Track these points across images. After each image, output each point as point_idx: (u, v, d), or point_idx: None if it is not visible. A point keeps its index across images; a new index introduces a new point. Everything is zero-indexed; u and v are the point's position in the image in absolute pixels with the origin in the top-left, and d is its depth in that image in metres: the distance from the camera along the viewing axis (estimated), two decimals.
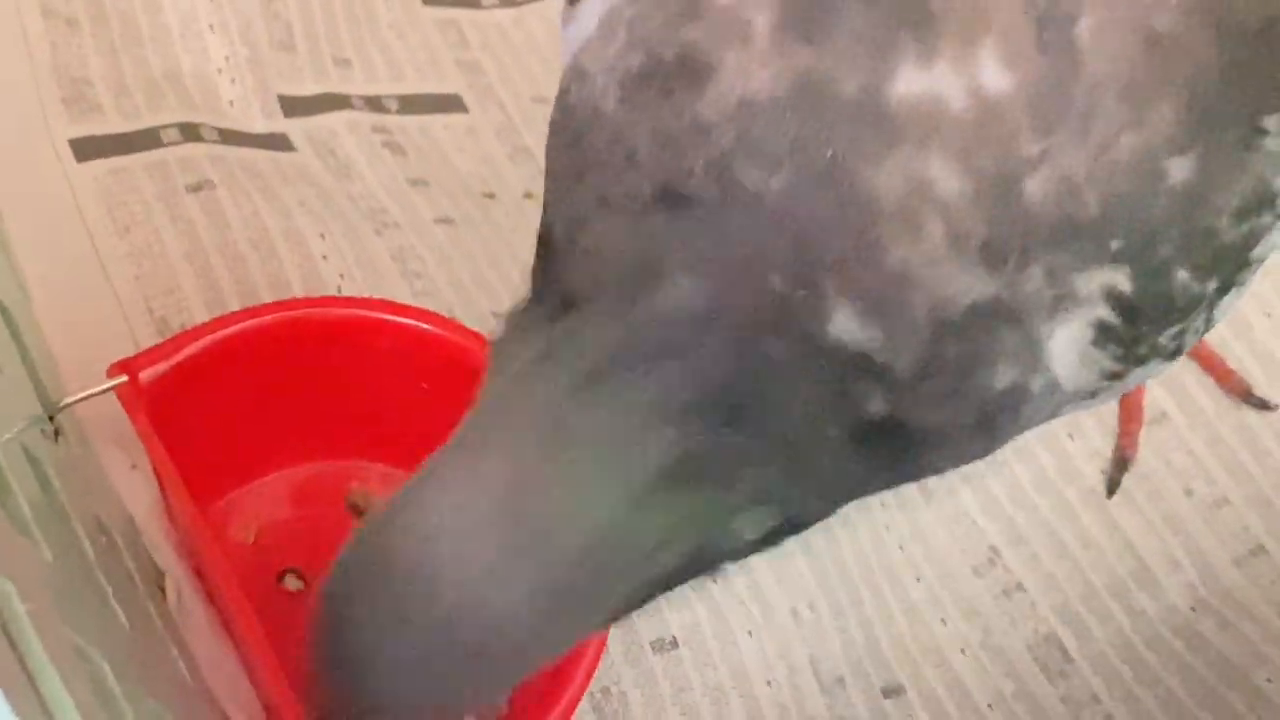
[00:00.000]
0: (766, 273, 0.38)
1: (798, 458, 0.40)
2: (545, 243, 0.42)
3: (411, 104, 0.67)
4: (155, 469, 0.48)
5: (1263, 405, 0.61)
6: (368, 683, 0.39)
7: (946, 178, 0.38)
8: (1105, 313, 0.40)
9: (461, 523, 0.38)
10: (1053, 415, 0.43)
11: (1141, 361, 0.43)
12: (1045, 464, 0.61)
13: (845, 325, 0.38)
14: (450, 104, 0.68)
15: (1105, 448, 0.61)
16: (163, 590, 0.50)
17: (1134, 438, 0.61)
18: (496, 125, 0.68)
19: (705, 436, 0.39)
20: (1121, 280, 0.40)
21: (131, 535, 0.50)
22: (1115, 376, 0.42)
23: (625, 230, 0.39)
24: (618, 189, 0.39)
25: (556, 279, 0.41)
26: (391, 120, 0.66)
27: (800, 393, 0.39)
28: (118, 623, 0.41)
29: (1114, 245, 0.39)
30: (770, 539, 0.43)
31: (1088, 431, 0.61)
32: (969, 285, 0.38)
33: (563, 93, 0.42)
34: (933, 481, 0.60)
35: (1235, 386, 0.62)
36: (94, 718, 0.33)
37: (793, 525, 0.43)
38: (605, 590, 0.40)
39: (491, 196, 0.65)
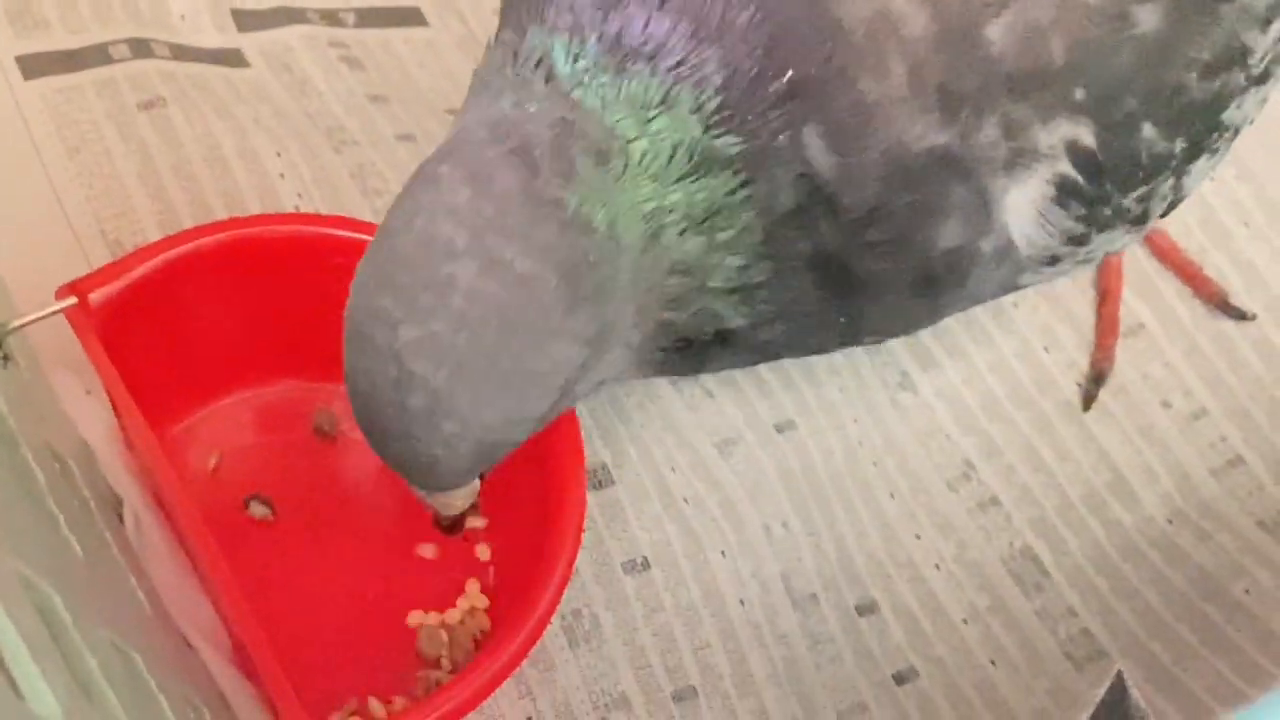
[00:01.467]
0: (753, 53, 0.37)
1: (774, 257, 0.39)
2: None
3: (369, 17, 0.65)
4: (108, 393, 0.47)
5: (1240, 315, 0.60)
6: (412, 400, 0.38)
7: (912, 16, 0.37)
8: (1067, 168, 0.39)
9: (470, 204, 0.37)
10: (1007, 286, 0.42)
11: (1105, 226, 0.42)
12: (1021, 377, 0.60)
13: (813, 144, 0.38)
14: (410, 17, 0.66)
15: (1081, 360, 0.60)
16: (121, 517, 0.49)
17: (1110, 350, 0.60)
18: (458, 38, 0.66)
19: (682, 160, 0.38)
20: (1085, 134, 0.39)
21: (87, 462, 0.49)
22: (1077, 241, 0.41)
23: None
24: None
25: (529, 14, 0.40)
26: (349, 34, 0.64)
27: (777, 191, 0.38)
28: (70, 552, 0.40)
29: (1078, 95, 0.38)
30: (730, 351, 0.42)
31: (1064, 344, 0.60)
32: (923, 131, 0.38)
33: None
34: (906, 396, 0.59)
35: (1213, 296, 0.61)
36: (43, 647, 0.32)
37: (749, 344, 0.43)
38: (625, 289, 0.39)
39: (454, 112, 0.63)
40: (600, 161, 0.37)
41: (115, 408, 0.48)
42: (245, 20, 0.63)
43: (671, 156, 0.38)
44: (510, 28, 0.41)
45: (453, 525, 0.48)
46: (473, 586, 0.51)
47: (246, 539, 0.51)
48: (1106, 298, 0.61)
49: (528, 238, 0.37)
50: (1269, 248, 0.62)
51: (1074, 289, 0.61)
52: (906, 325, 0.44)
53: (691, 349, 0.43)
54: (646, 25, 0.38)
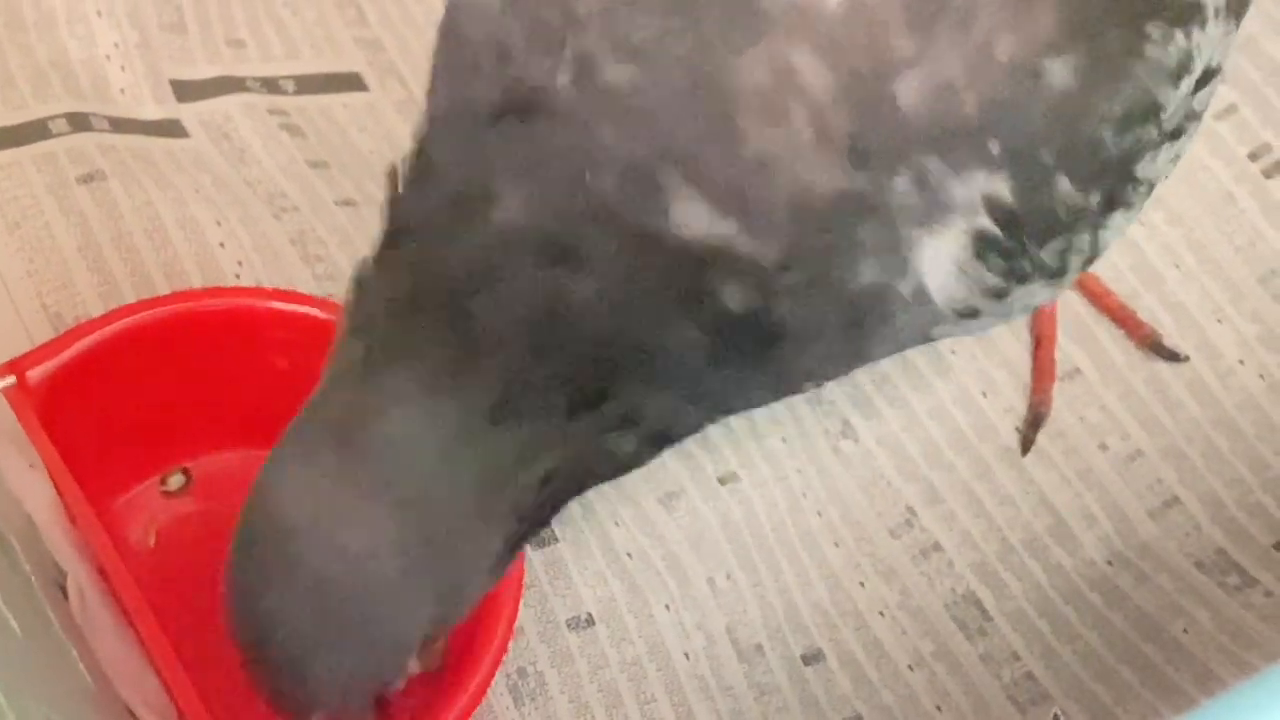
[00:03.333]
0: (597, 174, 0.37)
1: (655, 364, 0.39)
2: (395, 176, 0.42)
3: (309, 84, 0.66)
4: (48, 470, 0.47)
5: (1173, 357, 0.61)
6: (276, 662, 0.41)
7: (814, 71, 0.37)
8: (985, 222, 0.39)
9: (308, 486, 0.39)
10: (928, 335, 0.43)
11: (1024, 279, 0.42)
12: (960, 423, 0.61)
13: (691, 217, 0.38)
14: (350, 82, 0.67)
15: (1019, 405, 0.61)
16: (65, 591, 0.49)
17: (1047, 394, 0.61)
18: (398, 102, 0.66)
19: (528, 365, 0.38)
20: (1002, 188, 0.39)
21: (31, 537, 0.49)
22: (996, 294, 0.42)
23: (461, 149, 0.39)
24: (469, 94, 0.39)
25: (399, 213, 0.41)
26: (289, 101, 0.65)
27: (644, 295, 0.38)
28: (8, 629, 0.40)
29: (993, 150, 0.39)
30: (647, 451, 0.43)
31: (1002, 389, 0.61)
32: (831, 178, 0.38)
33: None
34: (848, 445, 0.59)
35: (1146, 338, 0.62)
36: None
37: (667, 437, 0.43)
38: (470, 523, 0.40)
39: None
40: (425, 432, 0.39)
41: (55, 483, 0.48)
42: (185, 90, 0.63)
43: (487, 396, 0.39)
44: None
45: None
46: None
47: (190, 611, 0.51)
48: (1041, 342, 0.62)
49: (359, 519, 0.39)
50: (1199, 288, 0.63)
51: (1009, 335, 0.62)
52: (837, 368, 0.45)
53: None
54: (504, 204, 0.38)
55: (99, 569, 0.50)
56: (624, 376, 0.39)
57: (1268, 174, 0.65)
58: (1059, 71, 0.39)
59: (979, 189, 0.39)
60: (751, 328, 0.39)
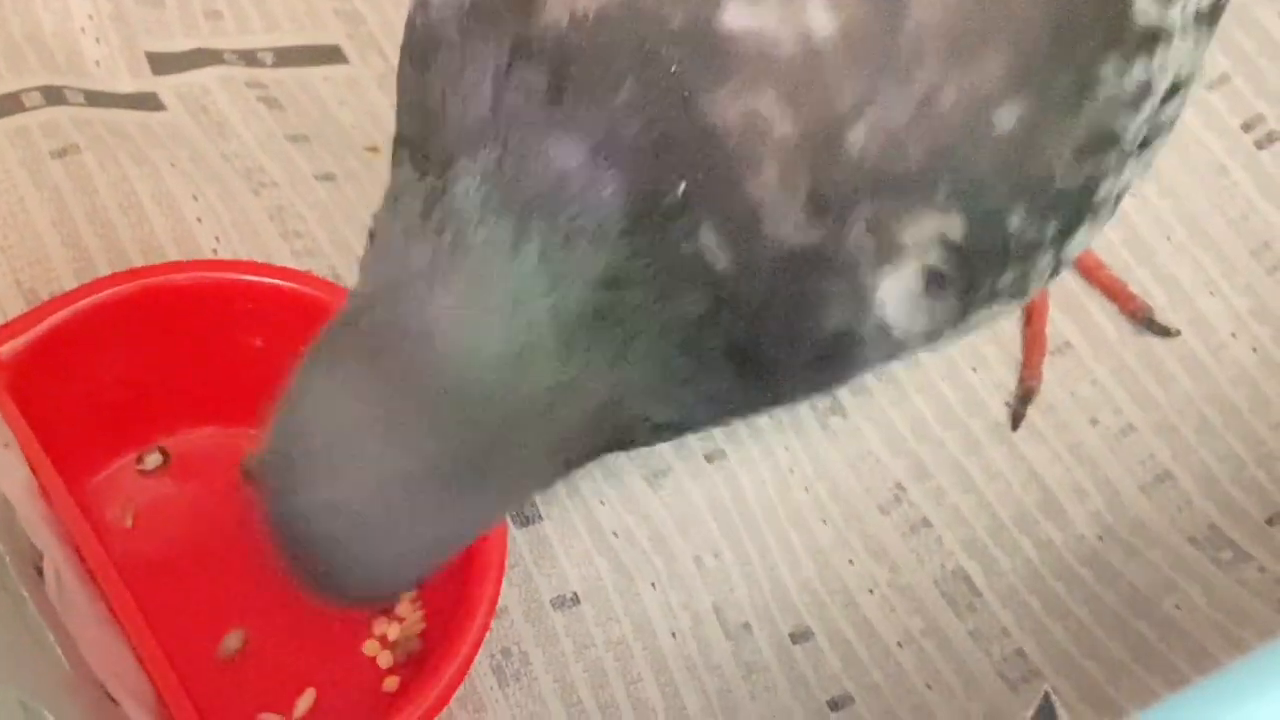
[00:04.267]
0: (646, 168, 0.38)
1: (690, 356, 0.40)
2: (402, 139, 0.42)
3: (288, 56, 0.65)
4: (22, 448, 0.47)
5: (1165, 332, 0.61)
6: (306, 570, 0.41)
7: (779, 118, 0.37)
8: (936, 259, 0.40)
9: (342, 408, 0.39)
10: (893, 357, 0.43)
11: (983, 304, 0.42)
12: (949, 398, 0.60)
13: (711, 243, 0.38)
14: (330, 55, 0.66)
15: (1009, 380, 0.60)
16: (41, 571, 0.49)
17: (1037, 369, 0.60)
18: (379, 76, 0.66)
19: (591, 292, 0.38)
20: (952, 228, 0.39)
21: (6, 517, 0.49)
22: (955, 320, 0.42)
23: (488, 101, 0.39)
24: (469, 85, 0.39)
25: (423, 155, 0.40)
26: (267, 74, 0.64)
27: (684, 297, 0.39)
28: None
29: (941, 195, 0.39)
30: (665, 432, 0.43)
31: (991, 364, 0.61)
32: (794, 230, 0.38)
33: (409, 20, 0.42)
34: (836, 420, 0.59)
35: (1138, 313, 0.61)
36: None
37: (683, 426, 0.44)
38: (502, 450, 0.40)
39: (375, 150, 0.63)
40: (504, 331, 0.38)
41: (30, 463, 0.47)
42: (161, 63, 0.62)
43: (581, 302, 0.39)
44: (410, 163, 0.41)
45: None
46: (393, 630, 0.51)
47: (168, 591, 0.50)
48: (1032, 317, 0.61)
49: (413, 433, 0.39)
50: (1191, 261, 0.62)
51: None
52: (818, 393, 0.47)
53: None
54: (550, 159, 0.38)
55: (75, 549, 0.49)
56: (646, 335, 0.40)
57: (1260, 145, 0.64)
58: (1005, 117, 0.39)
59: (930, 229, 0.39)
60: (749, 359, 0.41)
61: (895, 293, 0.40)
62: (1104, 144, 0.41)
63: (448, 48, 0.40)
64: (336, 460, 0.39)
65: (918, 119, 0.38)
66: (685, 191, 0.38)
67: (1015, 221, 0.40)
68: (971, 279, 0.41)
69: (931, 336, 0.42)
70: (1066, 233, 0.42)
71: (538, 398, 0.39)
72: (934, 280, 0.40)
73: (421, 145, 0.40)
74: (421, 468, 0.39)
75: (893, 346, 0.42)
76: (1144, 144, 0.44)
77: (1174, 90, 0.45)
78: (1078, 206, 0.42)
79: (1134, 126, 0.42)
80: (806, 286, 0.39)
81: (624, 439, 0.43)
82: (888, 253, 0.39)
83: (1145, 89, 0.42)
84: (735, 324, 0.39)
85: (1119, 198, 0.45)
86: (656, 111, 0.37)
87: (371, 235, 0.41)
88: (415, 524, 0.40)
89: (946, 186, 0.39)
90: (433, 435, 0.38)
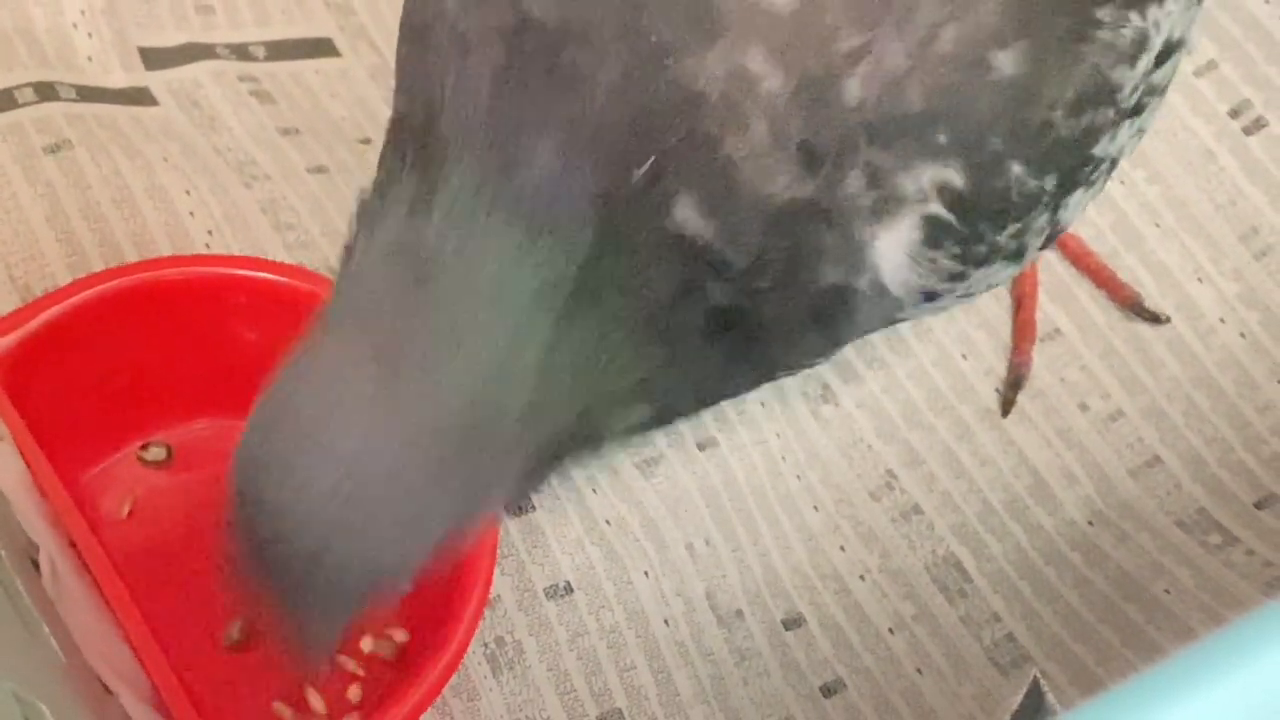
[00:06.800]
0: (618, 150, 0.38)
1: (666, 342, 0.40)
2: (400, 124, 0.42)
3: (280, 50, 0.65)
4: (16, 442, 0.47)
5: (1154, 319, 0.61)
6: (278, 574, 0.40)
7: (768, 74, 0.37)
8: (938, 209, 0.40)
9: (332, 393, 0.38)
10: (890, 320, 0.43)
11: (982, 262, 0.42)
12: (940, 385, 0.60)
13: (687, 214, 0.38)
14: (321, 48, 0.66)
15: (999, 366, 0.61)
16: (36, 564, 0.49)
17: (1027, 355, 0.60)
18: (371, 68, 0.66)
19: (572, 280, 0.38)
20: (953, 175, 0.39)
21: (2, 510, 0.49)
22: (955, 278, 0.42)
23: (485, 95, 0.39)
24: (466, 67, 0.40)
25: (420, 145, 0.40)
26: (259, 68, 0.64)
27: (657, 278, 0.39)
28: None
29: (941, 139, 0.39)
30: (642, 427, 0.43)
31: (982, 350, 0.61)
32: (787, 184, 0.38)
33: None
34: (828, 408, 0.59)
35: (1127, 299, 0.61)
36: None
37: (662, 418, 0.44)
38: (493, 443, 0.40)
39: (367, 142, 0.63)
40: (490, 322, 0.38)
41: (24, 456, 0.48)
42: (153, 58, 0.63)
43: (564, 290, 0.39)
44: (399, 149, 0.41)
45: None
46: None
47: (163, 582, 0.50)
48: (1022, 303, 0.61)
49: (395, 427, 0.38)
50: (1179, 247, 0.62)
51: (989, 296, 0.61)
52: (812, 357, 0.46)
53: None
54: (531, 149, 0.38)
55: (70, 542, 0.49)
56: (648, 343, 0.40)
57: (1248, 131, 0.64)
58: (1005, 61, 0.39)
59: (930, 178, 0.40)
60: (735, 325, 0.41)
61: (893, 247, 0.40)
62: (1101, 95, 0.41)
63: (441, 26, 0.40)
64: (323, 453, 0.38)
65: (918, 62, 0.38)
66: (657, 165, 0.38)
67: (1016, 169, 0.40)
68: (973, 228, 0.41)
69: (930, 296, 0.42)
70: (1064, 189, 0.42)
71: (526, 389, 0.39)
72: (935, 230, 0.40)
73: (412, 131, 0.41)
74: (411, 459, 0.39)
75: (890, 305, 0.42)
76: (1138, 110, 0.44)
77: (1167, 53, 0.45)
78: (1076, 159, 0.42)
79: (1131, 82, 0.42)
80: (801, 241, 0.39)
81: (612, 429, 0.43)
82: (886, 202, 0.39)
83: (1142, 41, 0.42)
84: (719, 288, 0.39)
85: (1113, 164, 0.45)
86: (634, 86, 0.37)
87: (356, 218, 0.41)
88: (405, 517, 0.39)
89: (946, 133, 0.39)
90: (421, 426, 0.38)
